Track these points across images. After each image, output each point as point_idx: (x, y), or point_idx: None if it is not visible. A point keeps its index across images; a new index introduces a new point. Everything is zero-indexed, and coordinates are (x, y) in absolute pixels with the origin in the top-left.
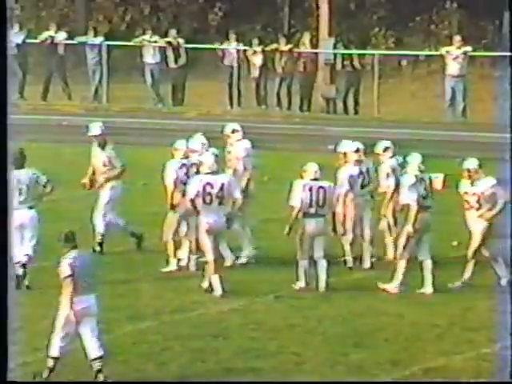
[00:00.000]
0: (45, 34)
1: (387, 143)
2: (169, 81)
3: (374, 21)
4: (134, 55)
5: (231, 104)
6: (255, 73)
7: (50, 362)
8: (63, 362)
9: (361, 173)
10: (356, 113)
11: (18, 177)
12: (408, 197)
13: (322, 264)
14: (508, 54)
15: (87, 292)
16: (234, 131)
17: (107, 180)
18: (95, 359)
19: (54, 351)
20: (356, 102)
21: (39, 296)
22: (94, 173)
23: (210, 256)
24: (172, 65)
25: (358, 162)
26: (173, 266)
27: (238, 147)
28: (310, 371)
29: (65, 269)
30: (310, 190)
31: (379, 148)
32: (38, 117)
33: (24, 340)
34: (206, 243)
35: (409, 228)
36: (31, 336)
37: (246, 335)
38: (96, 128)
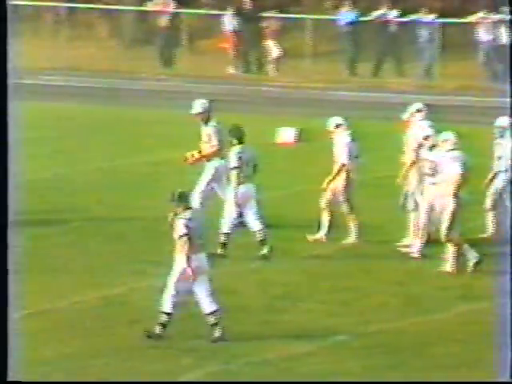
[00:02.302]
0: (377, 12)
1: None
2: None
3: None
4: (467, 32)
5: None
6: None
7: (164, 318)
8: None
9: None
10: None
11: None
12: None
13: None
14: None
15: (200, 251)
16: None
17: (205, 157)
18: (210, 314)
19: (167, 307)
20: None
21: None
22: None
23: None
24: (506, 42)
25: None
26: None
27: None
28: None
29: (180, 228)
30: None
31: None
32: (369, 94)
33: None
34: None
35: None
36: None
37: None
38: (197, 107)
